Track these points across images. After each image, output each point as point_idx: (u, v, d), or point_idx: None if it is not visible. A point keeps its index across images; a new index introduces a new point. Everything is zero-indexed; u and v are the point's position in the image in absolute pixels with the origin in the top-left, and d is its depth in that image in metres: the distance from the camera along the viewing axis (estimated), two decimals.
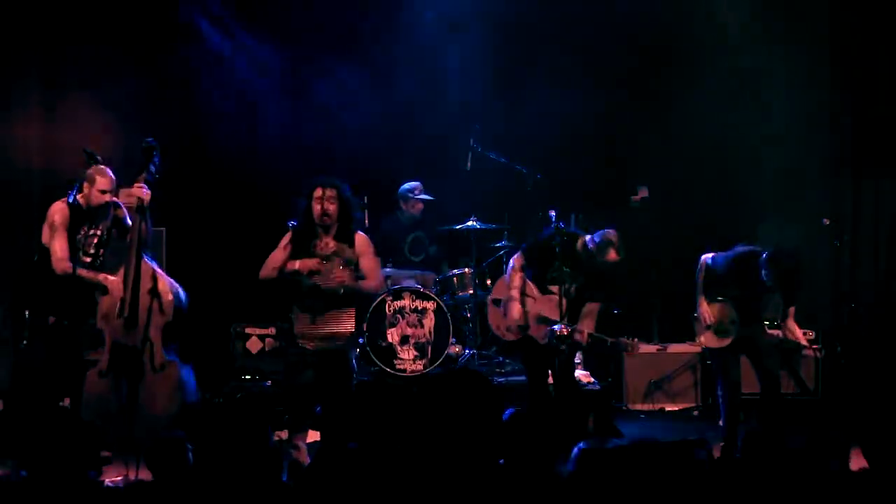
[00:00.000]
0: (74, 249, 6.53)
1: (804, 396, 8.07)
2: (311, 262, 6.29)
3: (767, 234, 8.47)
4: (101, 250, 6.63)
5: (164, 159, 6.67)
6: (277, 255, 6.39)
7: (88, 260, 6.63)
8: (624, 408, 8.29)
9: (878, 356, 8.56)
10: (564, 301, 6.71)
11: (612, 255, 6.59)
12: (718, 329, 6.76)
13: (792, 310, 6.83)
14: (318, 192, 6.30)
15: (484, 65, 8.96)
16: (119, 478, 5.93)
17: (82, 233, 6.59)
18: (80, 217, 6.57)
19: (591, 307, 6.80)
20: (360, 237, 6.48)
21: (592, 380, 8.17)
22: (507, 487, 3.26)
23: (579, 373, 8.00)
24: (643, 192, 9.06)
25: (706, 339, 6.80)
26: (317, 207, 6.30)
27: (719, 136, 9.00)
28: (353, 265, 6.37)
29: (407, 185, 8.81)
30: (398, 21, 9.02)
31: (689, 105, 9.02)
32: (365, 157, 8.90)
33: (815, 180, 9.00)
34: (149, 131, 8.02)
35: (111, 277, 6.56)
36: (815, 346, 6.93)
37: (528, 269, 6.92)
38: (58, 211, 6.55)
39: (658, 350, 8.38)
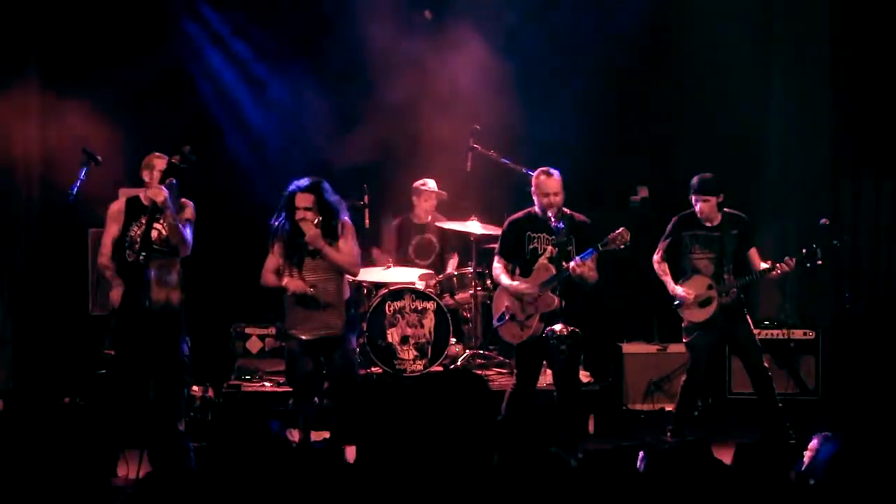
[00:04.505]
0: (129, 244, 6.42)
1: (804, 396, 8.07)
2: (298, 286, 6.56)
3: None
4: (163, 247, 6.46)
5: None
6: (271, 262, 6.71)
7: (160, 246, 6.45)
8: (624, 408, 8.28)
9: (878, 356, 8.56)
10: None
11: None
12: (700, 302, 6.88)
13: (753, 251, 7.05)
14: (297, 200, 6.59)
15: (485, 65, 8.96)
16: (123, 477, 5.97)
17: (135, 228, 6.46)
18: (137, 211, 6.48)
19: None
20: (345, 224, 6.72)
21: (592, 380, 8.17)
22: (504, 488, 3.26)
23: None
24: (643, 192, 9.06)
25: (691, 315, 7.00)
26: (297, 213, 6.58)
27: (719, 136, 9.00)
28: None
29: (421, 180, 8.86)
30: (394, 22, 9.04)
31: (689, 104, 9.04)
32: (365, 157, 8.90)
33: (815, 180, 8.99)
34: (148, 129, 8.07)
35: (116, 290, 6.45)
36: (778, 264, 6.92)
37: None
38: (113, 203, 6.53)
39: (658, 350, 8.39)
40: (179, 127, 8.80)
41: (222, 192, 8.93)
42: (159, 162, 6.39)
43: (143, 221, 6.34)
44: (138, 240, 6.32)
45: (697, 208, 6.98)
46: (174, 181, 6.25)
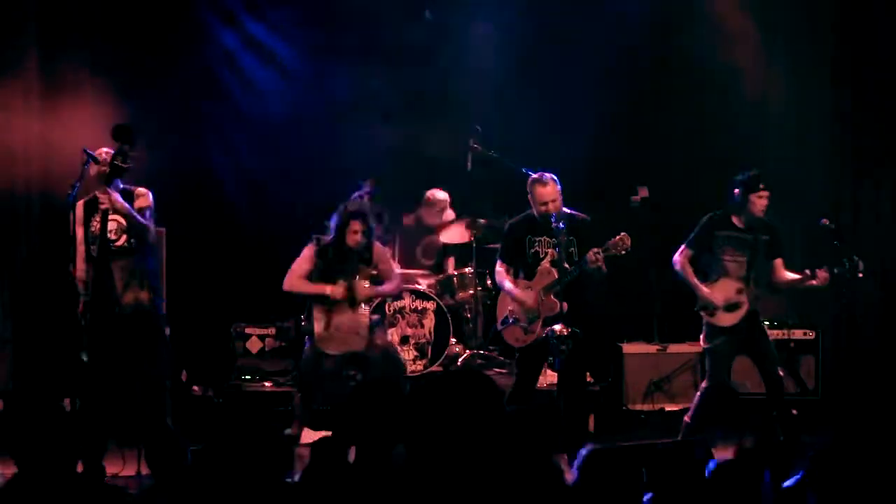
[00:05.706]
0: (92, 240, 6.39)
1: (804, 396, 8.07)
2: (340, 291, 6.95)
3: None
4: (125, 236, 6.42)
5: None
6: (303, 267, 7.04)
7: (120, 244, 6.43)
8: (624, 408, 8.28)
9: (878, 356, 8.56)
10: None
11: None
12: (728, 306, 6.80)
13: (779, 261, 6.93)
14: (354, 226, 6.99)
15: (485, 65, 8.96)
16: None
17: (94, 223, 6.44)
18: (94, 209, 6.47)
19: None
20: (378, 248, 7.18)
21: (592, 380, 8.17)
22: (507, 488, 3.26)
23: None
24: (643, 192, 9.05)
25: (718, 319, 6.85)
26: (352, 237, 6.98)
27: (719, 136, 9.00)
28: (373, 273, 7.13)
29: (438, 195, 8.85)
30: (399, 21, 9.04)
31: (689, 104, 9.04)
32: (367, 156, 8.90)
33: (815, 180, 8.99)
34: (148, 129, 8.05)
35: (80, 285, 6.44)
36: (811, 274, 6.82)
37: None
38: (75, 210, 6.50)
39: (658, 350, 8.39)
40: (183, 126, 8.82)
41: (226, 193, 8.94)
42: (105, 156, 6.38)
43: (98, 220, 6.33)
44: (99, 235, 6.31)
45: (759, 205, 6.76)
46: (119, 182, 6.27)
